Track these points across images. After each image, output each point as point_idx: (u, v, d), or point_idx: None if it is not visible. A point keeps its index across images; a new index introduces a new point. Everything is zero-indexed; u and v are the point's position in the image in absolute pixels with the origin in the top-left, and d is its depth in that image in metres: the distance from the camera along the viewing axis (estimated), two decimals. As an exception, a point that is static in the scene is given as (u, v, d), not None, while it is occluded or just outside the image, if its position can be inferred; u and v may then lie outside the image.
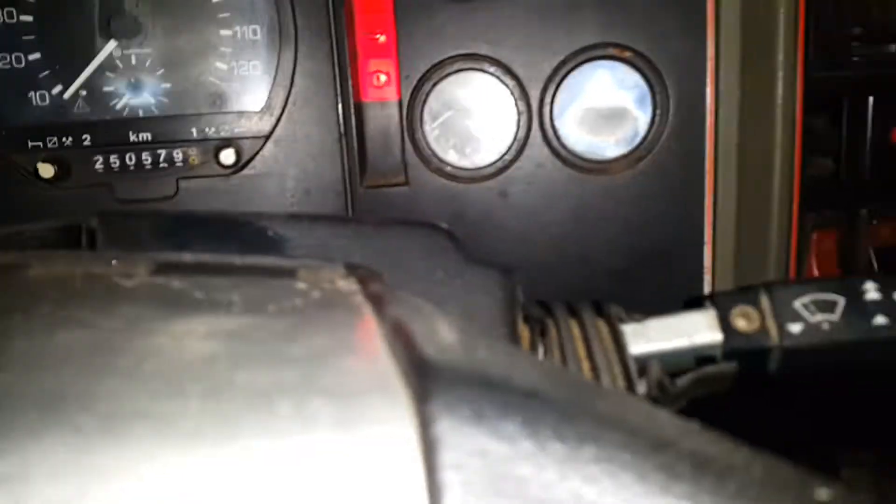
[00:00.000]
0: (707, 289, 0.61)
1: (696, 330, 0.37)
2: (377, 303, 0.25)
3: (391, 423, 0.17)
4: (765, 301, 0.37)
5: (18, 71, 0.57)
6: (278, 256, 0.37)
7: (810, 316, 0.37)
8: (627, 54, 0.60)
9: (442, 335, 0.23)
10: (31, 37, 0.57)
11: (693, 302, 0.38)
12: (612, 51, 0.60)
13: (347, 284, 0.29)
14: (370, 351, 0.21)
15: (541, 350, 0.39)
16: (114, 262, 0.30)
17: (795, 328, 0.36)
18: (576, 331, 0.38)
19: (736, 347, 0.36)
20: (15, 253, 0.34)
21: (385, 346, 0.21)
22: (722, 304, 0.37)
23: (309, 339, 0.22)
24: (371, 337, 0.22)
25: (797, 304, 0.37)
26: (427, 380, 0.18)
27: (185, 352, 0.20)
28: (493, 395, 0.18)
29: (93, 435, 0.16)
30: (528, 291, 0.40)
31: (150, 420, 0.16)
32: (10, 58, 0.57)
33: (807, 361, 0.37)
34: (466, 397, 0.18)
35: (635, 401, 0.21)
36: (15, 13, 0.57)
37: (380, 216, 0.47)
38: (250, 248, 0.38)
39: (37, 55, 0.57)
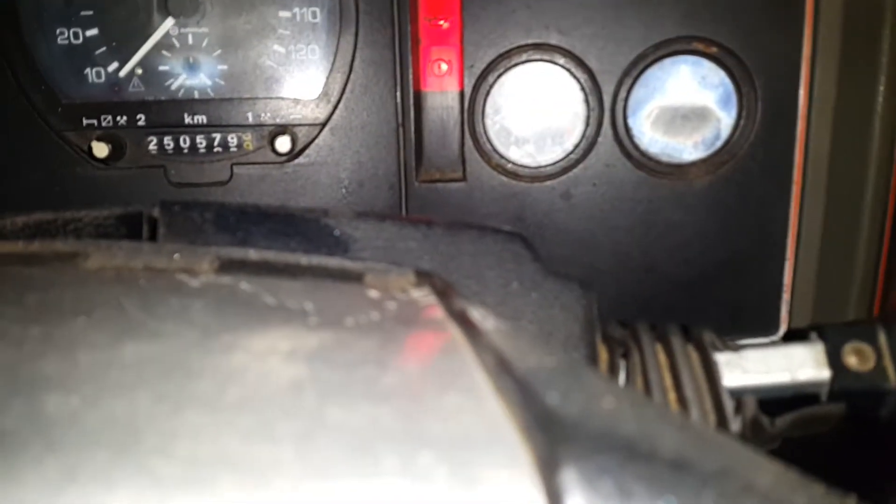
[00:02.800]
0: (785, 309, 0.56)
1: (799, 365, 0.33)
2: (465, 324, 0.23)
3: (515, 492, 0.14)
4: (882, 338, 0.33)
5: (75, 47, 0.56)
6: (343, 257, 0.34)
7: (936, 359, 0.33)
8: (713, 50, 0.55)
9: (552, 373, 0.21)
10: (90, 12, 0.56)
11: (796, 333, 0.34)
12: (695, 45, 0.55)
13: (423, 295, 0.26)
14: (475, 392, 0.18)
15: (622, 376, 0.36)
16: (176, 255, 0.28)
17: (918, 371, 0.32)
18: (662, 357, 0.35)
19: (846, 387, 0.33)
20: (72, 241, 0.32)
21: (492, 387, 0.18)
22: (832, 337, 0.33)
23: (400, 367, 0.20)
24: (471, 371, 0.19)
25: (922, 344, 0.33)
26: (555, 438, 0.15)
27: (269, 376, 0.18)
28: (638, 466, 0.15)
29: (173, 487, 0.13)
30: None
31: (240, 471, 0.14)
32: (69, 33, 0.56)
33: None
34: (607, 466, 0.15)
35: (786, 471, 0.18)
36: (74, -13, 0.55)
37: (451, 219, 0.44)
38: (314, 247, 0.36)
39: (94, 31, 0.56)
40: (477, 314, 0.24)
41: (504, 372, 0.19)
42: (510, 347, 0.21)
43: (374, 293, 0.26)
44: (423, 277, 0.28)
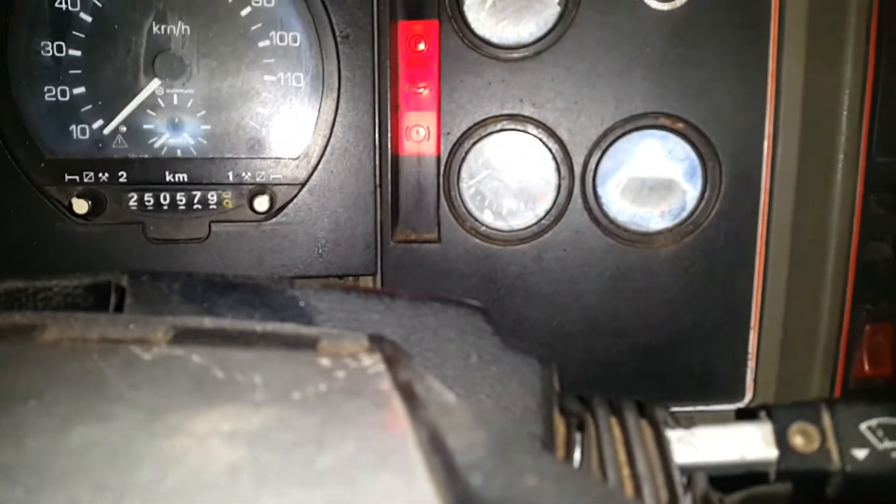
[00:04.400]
0: (750, 376, 0.57)
1: (748, 444, 0.34)
2: (408, 397, 0.23)
3: None
4: (826, 420, 0.34)
5: (62, 104, 0.58)
6: (300, 324, 0.35)
7: (878, 442, 0.34)
8: (679, 125, 0.57)
9: (483, 451, 0.21)
10: (78, 71, 0.57)
11: (746, 412, 0.35)
12: (662, 121, 0.57)
13: (373, 363, 0.27)
14: (407, 472, 0.19)
15: (577, 450, 0.36)
16: (131, 326, 0.29)
17: (860, 454, 0.33)
18: (616, 432, 0.35)
19: (792, 468, 0.34)
20: (30, 313, 0.33)
21: (424, 467, 0.19)
22: (779, 418, 0.34)
23: (338, 446, 0.20)
24: (406, 450, 0.20)
25: (863, 427, 0.34)
26: None
27: (208, 462, 0.19)
28: None
29: None
30: (558, 365, 0.37)
31: None
32: (56, 91, 0.58)
33: (871, 490, 0.34)
34: None
35: None
36: (64, 47, 0.57)
37: (415, 290, 0.45)
38: (279, 318, 0.36)
39: (81, 89, 0.58)
40: (422, 386, 0.25)
41: (435, 451, 0.20)
42: (446, 423, 0.22)
43: (325, 361, 0.27)
44: (376, 342, 0.29)
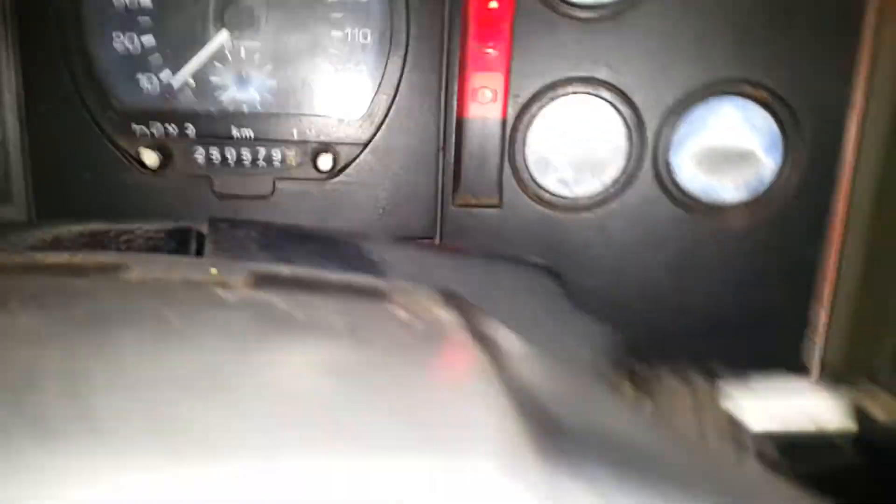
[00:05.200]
0: (817, 356, 0.56)
1: (824, 414, 0.33)
2: (490, 347, 0.24)
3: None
4: None
5: (131, 52, 0.58)
6: (371, 276, 0.35)
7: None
8: (762, 94, 0.55)
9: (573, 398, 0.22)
10: (147, 19, 0.57)
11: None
12: (744, 88, 0.55)
13: (450, 317, 0.27)
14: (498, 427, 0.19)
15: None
16: (213, 270, 0.30)
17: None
18: (687, 400, 0.35)
19: (872, 441, 0.33)
20: (115, 253, 0.34)
21: (517, 424, 0.19)
22: (854, 390, 0.33)
23: (426, 387, 0.21)
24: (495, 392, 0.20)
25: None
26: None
27: (310, 391, 0.20)
28: None
29: (193, 459, 0.15)
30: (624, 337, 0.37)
31: (260, 449, 0.16)
32: (125, 38, 0.58)
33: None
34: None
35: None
36: (135, -5, 0.57)
37: (484, 243, 0.45)
38: (352, 269, 0.37)
39: (150, 38, 0.58)
40: (502, 337, 0.25)
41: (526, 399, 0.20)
42: (535, 374, 0.22)
43: (401, 312, 0.27)
44: (449, 298, 0.29)
